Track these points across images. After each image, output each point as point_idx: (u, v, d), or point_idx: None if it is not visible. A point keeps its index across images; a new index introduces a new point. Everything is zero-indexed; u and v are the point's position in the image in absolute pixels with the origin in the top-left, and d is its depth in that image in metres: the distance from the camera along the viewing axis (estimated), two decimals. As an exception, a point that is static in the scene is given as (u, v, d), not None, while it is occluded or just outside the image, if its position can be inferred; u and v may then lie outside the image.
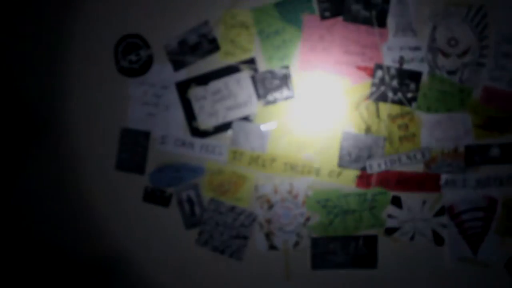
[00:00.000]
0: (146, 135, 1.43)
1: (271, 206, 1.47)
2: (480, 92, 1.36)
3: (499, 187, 1.37)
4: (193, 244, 1.51)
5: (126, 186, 1.48)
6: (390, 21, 1.41)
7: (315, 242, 1.47)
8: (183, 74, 1.46)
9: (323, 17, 1.44)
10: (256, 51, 1.43)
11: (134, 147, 1.42)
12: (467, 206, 1.38)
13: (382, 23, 1.41)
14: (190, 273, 1.46)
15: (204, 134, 1.46)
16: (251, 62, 1.43)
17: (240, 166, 1.45)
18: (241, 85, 1.41)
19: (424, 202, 1.41)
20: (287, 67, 1.43)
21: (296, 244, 1.48)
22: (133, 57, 1.41)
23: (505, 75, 1.35)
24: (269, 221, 1.48)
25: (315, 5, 1.42)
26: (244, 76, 1.43)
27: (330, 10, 1.42)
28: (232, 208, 1.46)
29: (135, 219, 1.46)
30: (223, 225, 1.47)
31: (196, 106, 1.46)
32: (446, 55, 1.35)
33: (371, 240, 1.45)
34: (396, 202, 1.41)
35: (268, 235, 1.49)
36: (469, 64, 1.35)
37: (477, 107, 1.35)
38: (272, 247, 1.49)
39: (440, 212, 1.40)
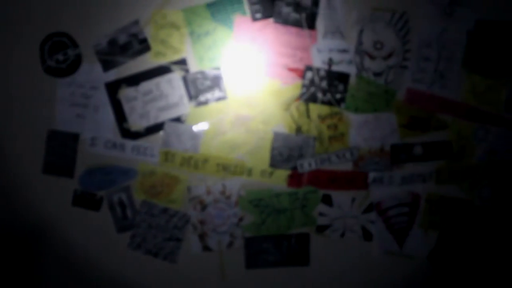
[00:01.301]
0: (75, 137, 1.47)
1: (204, 207, 1.53)
2: (404, 93, 1.48)
3: (422, 184, 1.52)
4: (125, 248, 1.55)
5: (54, 191, 1.52)
6: (320, 24, 1.51)
7: (248, 242, 1.55)
8: (113, 75, 1.50)
9: (254, 19, 1.51)
10: (187, 51, 1.49)
11: (62, 149, 1.45)
12: (393, 202, 1.51)
13: (311, 26, 1.51)
14: (124, 278, 1.50)
15: (135, 135, 1.51)
16: (182, 62, 1.49)
17: (173, 168, 1.51)
18: (172, 86, 1.46)
19: (353, 200, 1.51)
20: (218, 68, 1.50)
21: (230, 244, 1.55)
22: (60, 57, 1.43)
23: (426, 77, 1.50)
24: (202, 222, 1.54)
25: (246, 7, 1.49)
26: (176, 76, 1.49)
27: (261, 12, 1.50)
28: (165, 210, 1.51)
29: (65, 225, 1.48)
30: (156, 228, 1.50)
31: (126, 107, 1.50)
32: (372, 57, 1.47)
33: (303, 238, 1.55)
34: (327, 200, 1.52)
35: (202, 236, 1.55)
36: (394, 66, 1.48)
37: (401, 107, 1.49)
38: (206, 248, 1.55)
39: (368, 209, 1.52)
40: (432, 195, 1.53)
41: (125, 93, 1.49)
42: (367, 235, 1.53)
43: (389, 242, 1.55)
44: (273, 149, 1.52)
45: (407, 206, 1.51)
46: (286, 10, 1.51)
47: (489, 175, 1.57)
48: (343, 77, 1.49)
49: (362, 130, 1.47)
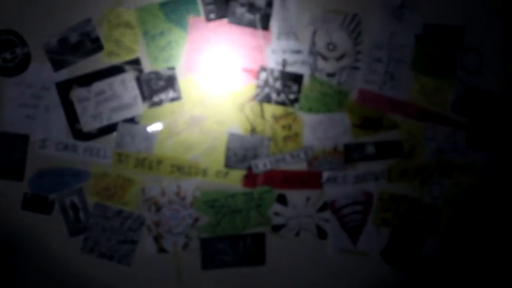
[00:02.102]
0: (24, 138, 1.52)
1: (159, 209, 1.60)
2: (356, 93, 1.59)
3: (374, 182, 1.64)
4: (78, 252, 1.59)
5: (2, 194, 1.55)
6: (274, 24, 1.63)
7: (204, 243, 1.63)
8: (64, 74, 1.55)
9: (208, 19, 1.60)
10: (141, 51, 1.56)
11: (10, 151, 1.47)
12: (347, 200, 1.62)
13: (265, 27, 1.62)
14: (77, 283, 1.53)
15: (87, 136, 1.56)
16: (135, 62, 1.56)
17: (126, 169, 1.57)
18: (125, 86, 1.53)
19: (308, 199, 1.62)
20: (172, 69, 1.58)
21: (186, 245, 1.63)
22: (7, 55, 1.46)
23: (377, 78, 1.61)
24: (157, 224, 1.61)
25: (200, 7, 1.58)
26: (129, 77, 1.56)
27: (215, 12, 1.60)
28: (119, 212, 1.57)
29: (14, 229, 1.49)
30: (110, 230, 1.57)
31: (78, 108, 1.56)
32: (325, 58, 1.57)
33: (259, 238, 1.66)
34: (282, 200, 1.62)
35: (157, 238, 1.61)
36: (346, 67, 1.59)
37: (353, 107, 1.59)
38: (162, 250, 1.62)
39: (323, 208, 1.63)
40: (384, 193, 1.66)
41: (77, 93, 1.55)
42: (322, 234, 1.64)
43: (344, 240, 1.66)
44: (228, 149, 1.60)
45: (361, 204, 1.62)
46: (240, 10, 1.61)
47: (437, 173, 1.68)
48: (296, 78, 1.59)
49: (316, 130, 1.56)
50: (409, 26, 1.72)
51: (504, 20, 1.89)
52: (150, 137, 1.58)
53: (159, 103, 1.57)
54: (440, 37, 1.74)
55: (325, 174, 1.65)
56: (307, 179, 1.63)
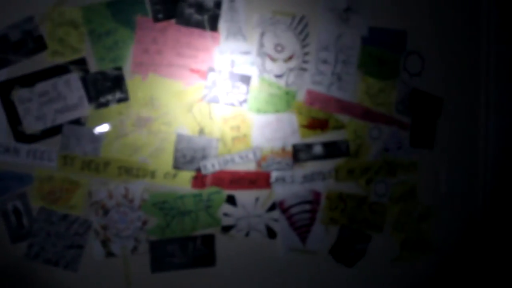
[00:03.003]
0: None
1: (106, 212, 1.77)
2: (304, 94, 1.90)
3: (322, 181, 1.95)
4: (23, 259, 1.71)
5: None
6: (222, 25, 1.85)
7: (153, 246, 1.82)
8: (5, 74, 1.57)
9: (156, 19, 1.78)
10: (87, 51, 1.61)
11: None
12: (296, 200, 1.92)
13: (214, 27, 1.84)
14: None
15: (31, 139, 1.60)
16: (81, 62, 1.62)
17: (72, 172, 1.63)
18: (70, 87, 1.70)
19: (257, 199, 1.89)
20: (119, 69, 1.74)
21: (135, 249, 1.81)
22: None
23: (324, 79, 1.93)
24: (105, 228, 1.78)
25: (148, 7, 1.75)
26: (74, 77, 1.65)
27: (163, 13, 1.78)
28: (65, 217, 1.71)
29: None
30: (55, 236, 1.73)
31: (20, 109, 1.68)
32: (273, 60, 1.87)
33: (209, 239, 1.88)
34: (231, 200, 1.87)
35: (104, 242, 1.78)
36: (294, 69, 1.89)
37: (301, 108, 1.90)
38: (110, 254, 1.75)
39: (272, 208, 1.91)
40: (331, 192, 1.98)
41: (19, 94, 1.67)
42: (271, 233, 1.92)
43: (293, 239, 1.96)
44: (176, 150, 1.80)
45: (309, 203, 1.93)
46: (189, 11, 1.81)
47: (383, 171, 2.04)
48: (245, 79, 1.85)
49: (264, 130, 1.85)
50: (354, 29, 2.05)
51: (444, 24, 2.29)
52: (97, 139, 1.68)
53: (106, 104, 1.75)
54: (384, 40, 2.10)
55: (274, 174, 1.93)
56: (256, 180, 1.90)
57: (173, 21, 1.78)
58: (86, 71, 1.66)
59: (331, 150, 1.97)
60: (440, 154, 2.24)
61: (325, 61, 1.91)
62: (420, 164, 2.18)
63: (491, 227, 2.42)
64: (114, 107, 1.73)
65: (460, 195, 2.32)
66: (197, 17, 1.81)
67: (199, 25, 1.82)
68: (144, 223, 1.76)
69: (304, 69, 1.91)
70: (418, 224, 2.22)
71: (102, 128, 1.71)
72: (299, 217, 1.95)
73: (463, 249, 2.40)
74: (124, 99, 1.74)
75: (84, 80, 1.68)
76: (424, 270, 2.26)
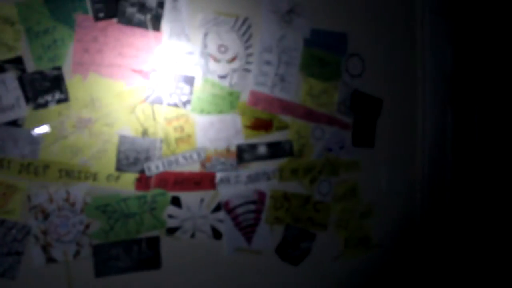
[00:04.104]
0: None
1: (46, 216, 1.74)
2: (247, 95, 1.99)
3: (266, 181, 2.04)
4: None
5: None
6: (165, 25, 1.89)
7: (97, 249, 1.81)
8: None
9: (97, 18, 1.79)
10: (23, 50, 1.56)
11: None
12: (241, 200, 2.01)
13: (156, 27, 1.88)
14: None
15: None
16: (17, 61, 1.56)
17: (9, 175, 1.57)
18: (6, 87, 1.57)
19: (202, 200, 1.96)
20: (59, 68, 1.67)
21: (77, 253, 1.75)
22: None
23: (267, 80, 2.03)
24: (45, 233, 1.73)
25: (88, 5, 1.75)
26: (10, 76, 1.56)
27: (104, 11, 1.79)
28: (2, 222, 1.58)
29: None
30: (-9, 242, 1.65)
31: None
32: (216, 60, 1.94)
33: (154, 242, 1.92)
34: (176, 202, 1.92)
35: (45, 248, 1.70)
36: (237, 69, 1.98)
37: (245, 109, 1.99)
38: (51, 259, 1.65)
39: (217, 208, 1.99)
40: (276, 192, 2.09)
41: None
42: (217, 234, 2.00)
43: (238, 239, 2.04)
44: (119, 152, 1.83)
45: (254, 203, 2.03)
46: (131, 10, 1.83)
47: (326, 171, 2.17)
48: (188, 80, 1.91)
49: (208, 131, 1.93)
50: (297, 31, 2.16)
51: (383, 28, 2.46)
52: (35, 141, 1.60)
53: (45, 104, 1.68)
54: (326, 42, 2.23)
55: (218, 175, 2.00)
56: (201, 180, 1.97)
57: (114, 20, 1.79)
58: (23, 70, 1.57)
59: (275, 150, 2.07)
60: (380, 153, 2.40)
61: (268, 62, 2.01)
62: (362, 163, 2.32)
63: (428, 224, 2.61)
64: (53, 108, 1.65)
65: (399, 192, 2.49)
66: (139, 16, 1.83)
67: (142, 25, 1.84)
68: (87, 226, 1.72)
69: (247, 70, 2.00)
70: (360, 222, 2.36)
71: (41, 130, 1.62)
72: (244, 217, 2.03)
73: (402, 245, 2.57)
74: (64, 100, 1.67)
75: (21, 80, 1.58)
76: (367, 266, 2.41)
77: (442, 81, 2.51)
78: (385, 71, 2.28)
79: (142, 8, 1.83)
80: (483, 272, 2.85)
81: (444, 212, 2.62)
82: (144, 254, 1.89)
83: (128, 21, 1.82)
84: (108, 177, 1.81)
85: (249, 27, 1.94)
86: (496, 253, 2.91)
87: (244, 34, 1.92)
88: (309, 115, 2.03)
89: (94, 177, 1.78)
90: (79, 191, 1.75)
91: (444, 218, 2.62)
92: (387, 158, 2.31)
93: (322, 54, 2.05)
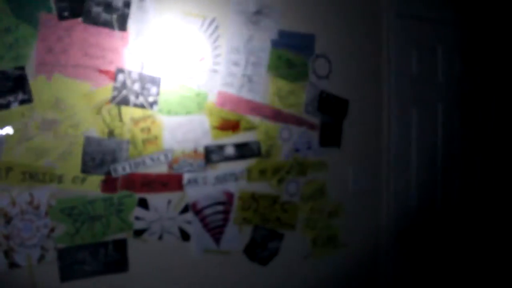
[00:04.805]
0: None
1: (9, 220, 1.72)
2: (215, 96, 2.00)
3: (234, 182, 2.06)
4: None
5: None
6: (131, 26, 1.89)
7: (62, 253, 1.81)
8: None
9: (61, 17, 1.77)
10: None
11: None
12: (209, 201, 2.02)
13: (123, 27, 1.87)
14: None
15: None
16: None
17: None
18: None
19: (169, 202, 1.96)
20: (21, 68, 1.69)
21: (41, 258, 1.77)
22: None
23: (235, 81, 2.05)
24: (7, 237, 1.72)
25: (52, 4, 1.73)
26: None
27: (69, 10, 1.78)
28: None
29: None
30: (-50, 247, 1.61)
31: None
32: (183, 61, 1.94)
33: (121, 244, 1.92)
34: (143, 203, 1.92)
35: (7, 253, 1.71)
36: (205, 70, 1.98)
37: (213, 110, 2.01)
38: (13, 265, 1.62)
39: (184, 210, 2.00)
40: (244, 193, 2.12)
41: None
42: (184, 236, 2.01)
43: (207, 240, 2.06)
44: (84, 154, 1.82)
45: (222, 204, 2.05)
46: (96, 10, 1.83)
47: (293, 171, 2.21)
48: (155, 80, 1.92)
49: (176, 132, 1.94)
50: (264, 32, 2.19)
51: (349, 29, 2.52)
52: None
53: (7, 105, 1.69)
54: (294, 43, 2.27)
55: (186, 176, 2.02)
56: (168, 182, 1.98)
57: (80, 19, 1.78)
58: (-17, 70, 1.56)
59: (243, 151, 2.09)
60: (347, 153, 2.46)
61: (235, 63, 2.04)
62: (329, 163, 2.37)
63: (395, 222, 2.68)
64: (16, 109, 1.69)
65: (366, 191, 2.55)
66: (105, 16, 1.83)
67: (108, 25, 1.83)
68: (52, 230, 1.73)
69: (215, 71, 2.03)
70: (328, 221, 2.40)
71: (3, 131, 1.68)
72: (212, 218, 2.05)
73: (370, 243, 2.63)
74: (27, 101, 1.71)
75: (-19, 80, 1.57)
76: (335, 265, 2.46)
77: (407, 83, 2.58)
78: (351, 72, 2.34)
79: (108, 7, 1.83)
80: (451, 271, 2.94)
81: (410, 210, 2.69)
82: (111, 257, 1.89)
83: (94, 21, 1.81)
84: (74, 179, 1.80)
85: (216, 27, 1.96)
86: (466, 249, 3.01)
87: (211, 34, 1.94)
88: (276, 115, 2.06)
89: (59, 179, 1.77)
90: (44, 194, 1.74)
91: (410, 216, 2.69)
92: (353, 157, 2.37)
93: (289, 55, 2.09)
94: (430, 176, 2.85)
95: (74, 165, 1.80)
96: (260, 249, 2.14)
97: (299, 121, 2.18)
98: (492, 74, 3.19)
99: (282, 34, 2.14)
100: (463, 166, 3.03)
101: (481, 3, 3.10)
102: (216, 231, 2.03)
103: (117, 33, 1.86)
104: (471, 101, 3.06)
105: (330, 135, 2.29)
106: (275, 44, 2.13)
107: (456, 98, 2.98)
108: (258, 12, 2.06)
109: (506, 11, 3.20)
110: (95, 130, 1.83)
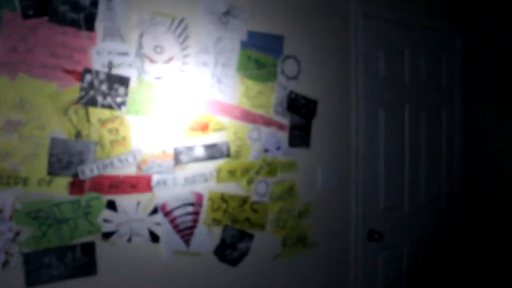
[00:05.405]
0: None
1: None
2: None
3: (204, 183, 2.07)
4: None
5: None
6: (99, 25, 1.88)
7: (28, 258, 1.77)
8: None
9: (25, 16, 1.73)
10: None
11: None
12: (178, 203, 2.02)
13: (90, 27, 1.86)
14: None
15: None
16: None
17: None
18: None
19: (138, 203, 1.96)
20: None
21: (6, 263, 1.73)
22: None
23: (204, 82, 2.04)
24: None
25: (16, 2, 1.69)
26: None
27: (34, 9, 1.74)
28: None
29: None
30: None
31: None
32: (153, 61, 1.94)
33: (89, 247, 1.90)
34: (111, 206, 1.91)
35: None
36: (174, 71, 1.98)
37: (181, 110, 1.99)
38: None
39: (154, 211, 1.99)
40: (213, 194, 2.13)
41: None
42: (154, 238, 2.01)
43: (176, 242, 2.06)
44: (51, 155, 1.80)
45: (191, 205, 2.06)
46: (63, 8, 1.80)
47: (263, 171, 2.23)
48: (123, 81, 1.91)
49: (144, 133, 1.92)
50: (234, 33, 2.21)
51: (318, 30, 2.56)
52: None
53: None
54: (263, 44, 2.29)
55: (155, 178, 2.01)
56: (137, 183, 1.97)
57: (45, 18, 1.75)
58: None
59: (212, 151, 2.11)
60: (316, 153, 2.50)
61: (205, 64, 2.05)
62: (298, 163, 2.41)
63: (364, 221, 2.74)
64: None
65: (335, 191, 2.59)
66: (72, 15, 1.81)
67: (74, 24, 1.81)
68: (17, 234, 1.73)
69: (184, 71, 1.99)
70: (298, 221, 2.43)
71: None
72: (182, 220, 2.05)
73: (339, 242, 2.68)
74: None
75: None
76: (305, 264, 2.49)
77: (375, 84, 2.64)
78: (320, 73, 2.38)
79: (75, 6, 1.80)
80: (420, 268, 3.01)
81: (379, 209, 2.74)
82: (79, 260, 1.87)
83: (60, 20, 1.78)
84: (40, 182, 1.77)
85: (185, 28, 1.96)
86: (434, 246, 3.08)
87: (180, 35, 1.94)
88: (246, 116, 2.08)
89: (25, 182, 1.74)
90: (8, 197, 1.70)
91: (379, 215, 2.75)
92: (323, 157, 2.40)
93: (258, 56, 2.11)
94: (397, 175, 2.91)
95: (40, 167, 1.77)
96: (230, 249, 2.13)
97: (268, 122, 2.19)
98: (456, 77, 3.28)
99: (252, 35, 2.15)
100: (429, 165, 3.11)
101: (445, 8, 3.19)
102: (185, 233, 2.02)
103: (84, 32, 1.84)
104: (436, 102, 3.14)
105: (299, 136, 2.32)
106: (244, 45, 2.13)
107: (422, 100, 3.05)
108: (227, 13, 2.07)
109: (467, 17, 3.30)
110: (62, 131, 1.80)
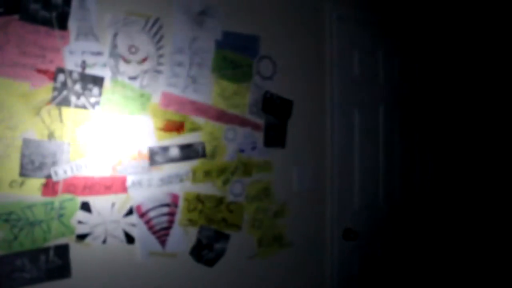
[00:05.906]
0: None
1: None
2: (159, 97, 2.00)
3: (179, 184, 2.07)
4: None
5: None
6: (72, 24, 1.87)
7: None
8: None
9: None
10: None
11: None
12: (153, 203, 2.02)
13: (63, 26, 1.85)
14: None
15: None
16: None
17: None
18: None
19: (113, 204, 1.95)
20: None
21: None
22: None
23: (179, 82, 2.06)
24: None
25: None
26: None
27: (3, 7, 1.72)
28: None
29: None
30: None
31: None
32: (127, 61, 1.94)
33: (63, 249, 1.89)
34: (85, 207, 1.90)
35: None
36: (149, 71, 1.99)
37: (156, 110, 2.01)
38: None
39: (129, 212, 1.98)
40: (189, 194, 2.13)
41: None
42: (129, 239, 2.01)
43: (152, 243, 2.06)
44: (23, 156, 1.78)
45: (167, 206, 2.06)
46: (34, 7, 1.78)
47: (238, 172, 2.24)
48: (97, 80, 1.90)
49: (119, 133, 1.92)
50: (209, 32, 2.22)
51: (294, 31, 2.59)
52: None
53: None
54: (238, 44, 2.30)
55: (130, 178, 2.01)
56: (112, 184, 1.97)
57: (16, 16, 1.73)
58: None
59: (188, 152, 2.11)
60: (292, 153, 2.53)
61: (180, 64, 2.05)
62: (274, 163, 2.43)
63: (338, 221, 2.77)
64: None
65: (310, 191, 2.63)
66: (44, 13, 1.79)
67: (47, 23, 1.80)
68: None
69: (159, 71, 2.03)
70: (274, 221, 2.45)
71: None
72: (158, 221, 2.05)
73: (315, 242, 2.71)
74: None
75: None
76: (281, 264, 2.52)
77: (349, 84, 2.68)
78: (295, 73, 2.40)
79: (47, 4, 1.78)
80: (396, 267, 3.06)
81: (354, 208, 2.79)
82: (53, 263, 1.86)
83: (32, 18, 1.76)
84: (11, 184, 1.75)
85: (160, 27, 1.96)
86: (409, 245, 3.14)
87: (155, 34, 1.95)
88: (221, 116, 2.09)
89: (-4, 183, 1.63)
90: (-22, 199, 1.60)
91: (354, 214, 2.79)
92: (298, 157, 2.43)
93: (234, 56, 2.12)
94: (372, 174, 2.96)
95: (11, 168, 1.76)
96: (207, 250, 2.14)
97: (243, 122, 2.21)
98: (429, 77, 3.35)
99: (227, 35, 2.17)
100: (403, 165, 3.16)
101: (418, 11, 3.26)
102: (161, 234, 2.02)
103: (57, 31, 1.83)
104: (410, 102, 3.20)
105: (274, 136, 2.34)
106: (220, 45, 2.15)
107: (396, 100, 3.10)
108: (202, 13, 2.08)
109: (440, 19, 3.38)
110: (34, 132, 1.78)
